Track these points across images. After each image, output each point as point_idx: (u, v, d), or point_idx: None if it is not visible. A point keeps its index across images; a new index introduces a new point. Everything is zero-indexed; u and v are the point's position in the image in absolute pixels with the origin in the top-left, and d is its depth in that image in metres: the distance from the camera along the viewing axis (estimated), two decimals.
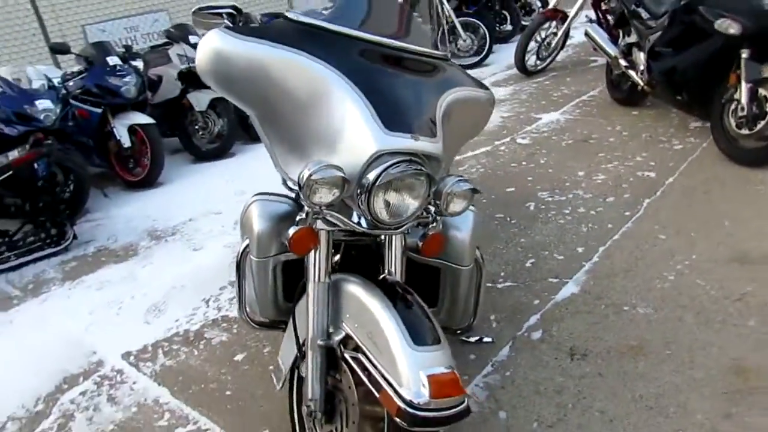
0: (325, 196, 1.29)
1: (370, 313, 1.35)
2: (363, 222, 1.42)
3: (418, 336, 1.28)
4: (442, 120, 1.44)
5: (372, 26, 1.56)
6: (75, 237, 3.59)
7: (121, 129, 4.36)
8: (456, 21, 6.94)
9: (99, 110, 4.36)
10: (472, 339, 2.09)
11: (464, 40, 7.05)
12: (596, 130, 4.14)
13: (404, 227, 1.46)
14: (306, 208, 1.36)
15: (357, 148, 1.32)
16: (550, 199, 3.18)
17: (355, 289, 1.41)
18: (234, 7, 1.78)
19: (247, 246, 1.64)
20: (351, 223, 1.37)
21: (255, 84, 1.40)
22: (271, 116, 1.45)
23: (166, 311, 2.65)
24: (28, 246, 3.46)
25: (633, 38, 4.19)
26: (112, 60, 4.50)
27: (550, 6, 5.94)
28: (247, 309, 1.74)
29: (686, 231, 2.65)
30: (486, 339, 2.09)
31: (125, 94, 4.32)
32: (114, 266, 3.22)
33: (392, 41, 1.51)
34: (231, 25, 1.72)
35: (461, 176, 1.45)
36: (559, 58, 6.28)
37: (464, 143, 1.99)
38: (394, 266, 1.52)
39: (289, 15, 1.54)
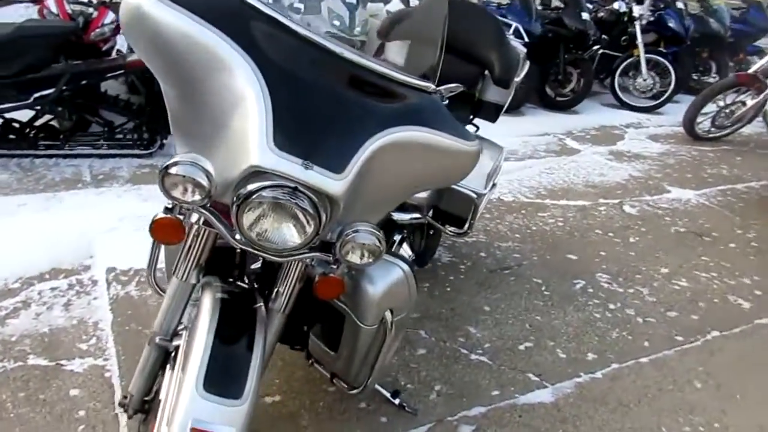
0: (185, 194, 1.17)
1: (198, 333, 1.23)
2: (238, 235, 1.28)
3: (214, 381, 1.14)
4: (366, 159, 1.23)
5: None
6: (162, 146, 3.85)
7: None
8: (642, 56, 6.22)
9: None
10: (396, 401, 1.86)
11: (644, 79, 6.32)
12: (720, 229, 3.48)
13: (290, 258, 1.30)
14: None
15: (236, 156, 1.17)
16: (605, 285, 2.74)
17: (208, 303, 1.29)
18: None
19: None
20: (224, 231, 1.23)
21: (162, 54, 1.29)
22: (172, 92, 1.34)
23: None
24: (120, 141, 3.77)
25: None
26: None
27: (750, 71, 5.05)
28: (157, 275, 1.69)
29: (731, 389, 2.12)
30: (408, 409, 1.85)
31: None
32: None
33: (348, 52, 1.31)
34: None
35: (373, 228, 1.25)
36: (745, 131, 5.38)
37: (416, 192, 1.71)
38: (282, 293, 1.38)
39: None
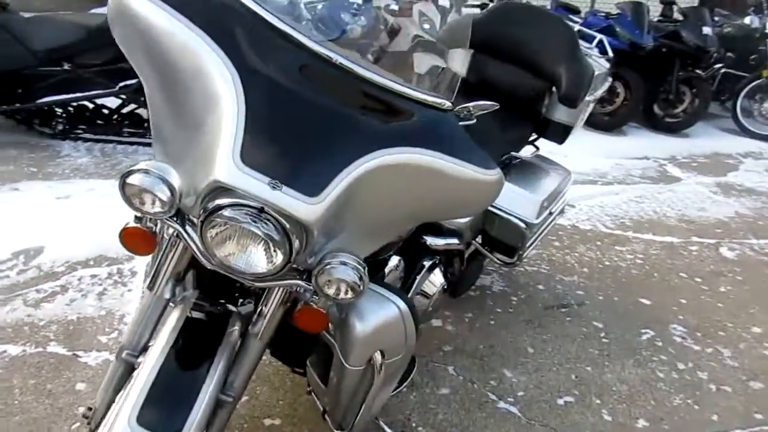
0: (146, 205, 1.08)
1: (149, 356, 1.14)
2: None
3: (151, 413, 1.05)
4: (351, 183, 1.08)
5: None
6: None
7: None
8: None
9: None
10: None
11: None
12: None
13: (265, 284, 1.19)
14: None
15: (204, 167, 1.07)
16: (678, 340, 2.38)
17: (171, 323, 1.20)
18: None
19: None
20: (194, 248, 1.12)
21: (144, 52, 1.20)
22: (153, 93, 1.25)
23: None
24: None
25: None
26: None
27: None
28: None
29: None
30: None
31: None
32: None
33: (346, 60, 1.16)
34: None
35: (357, 261, 1.10)
36: None
37: (420, 222, 1.52)
38: (262, 318, 1.26)
39: None
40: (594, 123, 5.35)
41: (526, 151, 2.30)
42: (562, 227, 3.22)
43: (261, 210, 1.02)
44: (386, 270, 1.63)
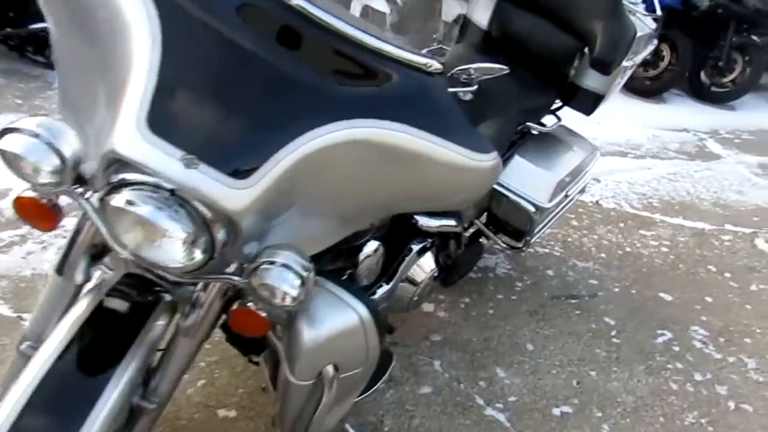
0: (31, 174, 0.85)
1: (40, 352, 0.93)
2: None
3: (30, 426, 0.85)
4: (295, 163, 0.83)
5: None
6: None
7: (355, 5, 4.15)
8: None
9: None
10: None
11: None
12: None
13: (188, 280, 0.98)
14: None
15: (104, 131, 0.83)
16: (698, 345, 2.12)
17: (75, 312, 0.99)
18: None
19: None
20: (103, 229, 0.89)
21: None
22: (58, 36, 0.99)
23: None
24: None
25: None
26: None
27: None
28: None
29: None
30: None
31: None
32: None
33: (306, 3, 0.88)
34: None
35: (298, 263, 0.87)
36: None
37: (386, 215, 1.27)
38: (193, 314, 1.04)
39: None
40: (633, 88, 4.93)
41: (548, 121, 2.00)
42: (583, 204, 2.93)
43: (172, 192, 0.79)
44: (360, 257, 1.39)
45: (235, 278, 0.91)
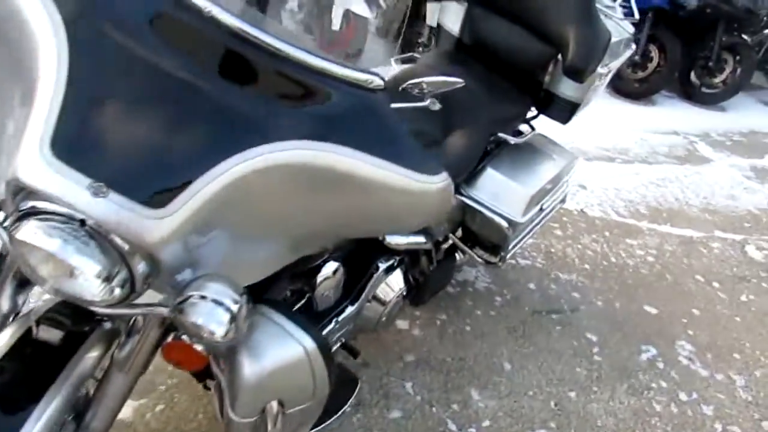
0: None
1: None
2: None
3: None
4: (219, 190, 0.76)
5: None
6: None
7: (337, 10, 4.07)
8: None
9: None
10: None
11: None
12: None
13: (110, 313, 0.91)
14: None
15: (8, 156, 0.76)
16: (684, 362, 2.04)
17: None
18: None
19: None
20: (17, 257, 0.81)
21: None
22: None
23: None
24: None
25: None
26: None
27: None
28: None
29: None
30: None
31: None
32: None
33: (225, 12, 0.80)
34: None
35: (231, 295, 0.80)
36: None
37: (333, 241, 1.20)
38: (126, 346, 0.96)
39: None
40: (621, 90, 4.86)
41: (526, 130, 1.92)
42: (568, 212, 2.85)
43: (83, 223, 0.72)
44: (317, 279, 1.31)
45: (163, 310, 0.83)
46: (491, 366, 1.88)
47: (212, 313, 0.78)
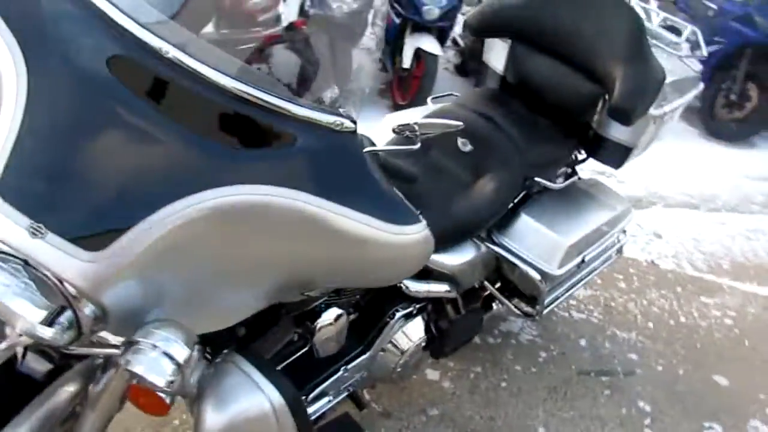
0: None
1: None
2: None
3: None
4: (164, 236, 0.74)
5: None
6: None
7: (407, 48, 4.09)
8: None
9: (398, 21, 4.14)
10: None
11: None
12: None
13: (75, 355, 0.91)
14: None
15: None
16: None
17: None
18: None
19: None
20: None
21: None
22: None
23: None
24: None
25: None
26: None
27: None
28: None
29: None
30: None
31: (425, 15, 3.97)
32: None
33: (186, 55, 0.78)
34: None
35: (180, 345, 0.77)
36: None
37: (307, 290, 1.12)
38: (95, 390, 0.96)
39: None
40: (715, 131, 4.49)
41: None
42: (636, 263, 2.62)
43: (26, 263, 0.72)
44: (318, 325, 1.25)
45: (118, 353, 0.81)
46: (523, 429, 1.72)
47: (156, 363, 0.75)
